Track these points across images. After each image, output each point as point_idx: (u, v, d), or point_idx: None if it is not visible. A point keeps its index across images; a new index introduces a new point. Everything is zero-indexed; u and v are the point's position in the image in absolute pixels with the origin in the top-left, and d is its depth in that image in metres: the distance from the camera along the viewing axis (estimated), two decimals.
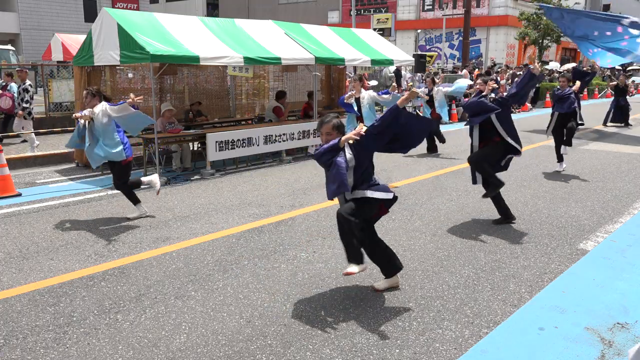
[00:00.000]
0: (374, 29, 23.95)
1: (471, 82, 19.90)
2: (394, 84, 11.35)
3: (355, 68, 14.29)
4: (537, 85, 23.39)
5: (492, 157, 6.38)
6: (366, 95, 8.64)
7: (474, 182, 6.52)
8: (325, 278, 4.77)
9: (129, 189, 6.66)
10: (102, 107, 6.39)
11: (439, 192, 7.96)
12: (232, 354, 3.56)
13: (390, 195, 4.27)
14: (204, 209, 7.09)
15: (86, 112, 6.46)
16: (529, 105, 21.64)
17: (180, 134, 9.37)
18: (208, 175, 9.17)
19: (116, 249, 5.54)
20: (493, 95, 6.31)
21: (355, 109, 8.60)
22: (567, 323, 3.99)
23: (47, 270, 4.97)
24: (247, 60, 9.34)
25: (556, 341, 3.74)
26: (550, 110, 9.66)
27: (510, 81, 23.72)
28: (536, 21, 28.87)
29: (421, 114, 11.92)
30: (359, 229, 4.16)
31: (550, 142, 10.01)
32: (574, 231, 6.12)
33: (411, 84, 20.61)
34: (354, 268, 4.04)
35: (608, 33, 13.51)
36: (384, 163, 10.32)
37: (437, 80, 17.46)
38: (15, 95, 11.65)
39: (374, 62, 12.21)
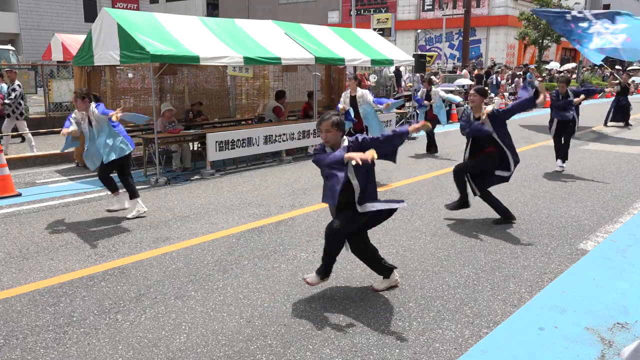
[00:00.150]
0: (374, 29, 23.96)
1: (471, 82, 19.94)
2: (395, 89, 11.36)
3: (355, 68, 14.30)
4: (537, 86, 23.41)
5: (476, 168, 6.41)
6: (362, 94, 8.62)
7: (474, 194, 6.53)
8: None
9: (132, 180, 6.69)
10: (92, 109, 6.38)
11: (439, 192, 7.96)
12: (232, 354, 3.56)
13: (393, 206, 4.35)
14: (204, 209, 7.09)
15: (72, 127, 6.46)
16: None
17: (180, 134, 9.38)
18: (208, 175, 9.17)
19: (116, 249, 5.54)
20: (490, 107, 6.27)
21: (352, 114, 8.56)
22: (567, 323, 3.99)
23: (47, 270, 4.97)
24: (247, 60, 9.34)
25: (556, 341, 3.74)
26: (549, 110, 9.60)
27: (510, 81, 23.76)
28: (536, 21, 28.86)
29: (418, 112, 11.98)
30: (340, 249, 4.33)
31: (550, 142, 10.01)
32: (574, 231, 6.12)
33: (410, 84, 20.62)
34: (313, 279, 4.31)
35: (578, 30, 13.96)
36: (384, 163, 10.31)
37: (436, 80, 17.45)
38: (5, 95, 11.60)
39: (374, 62, 12.21)
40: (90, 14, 33.41)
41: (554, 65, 30.24)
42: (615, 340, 3.76)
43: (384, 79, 19.90)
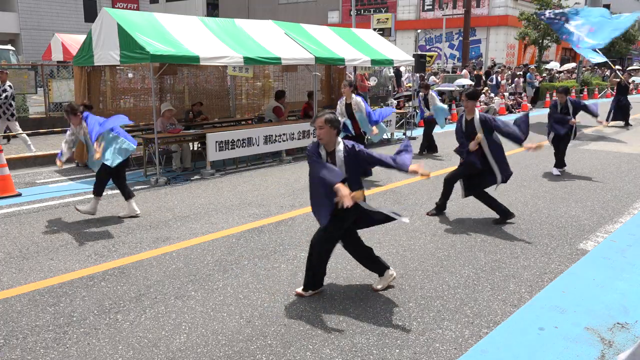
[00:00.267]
0: (374, 29, 23.96)
1: (471, 82, 19.93)
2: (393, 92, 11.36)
3: (355, 68, 14.30)
4: (537, 86, 23.42)
5: (465, 174, 6.52)
6: (357, 102, 8.57)
7: (463, 195, 6.66)
8: (325, 278, 4.76)
9: (106, 180, 6.66)
10: (83, 125, 6.36)
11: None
12: (232, 354, 3.56)
13: (390, 214, 4.34)
14: (204, 209, 7.09)
15: (66, 155, 6.48)
16: (528, 105, 21.64)
17: (180, 134, 9.38)
18: (208, 175, 9.17)
19: (116, 249, 5.54)
20: (477, 113, 6.35)
21: (350, 125, 8.53)
22: (567, 323, 3.99)
23: (47, 270, 4.97)
24: (247, 60, 9.34)
25: (556, 341, 3.74)
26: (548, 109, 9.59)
27: (510, 81, 23.75)
28: (536, 21, 28.84)
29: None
30: (326, 261, 4.38)
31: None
32: (574, 231, 6.12)
33: (409, 84, 20.62)
34: (306, 293, 4.38)
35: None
36: None
37: (436, 80, 17.47)
38: None
39: (374, 62, 12.21)
40: (90, 14, 33.41)
41: (554, 65, 30.23)
42: (615, 340, 3.76)
43: (384, 79, 19.89)
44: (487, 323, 3.98)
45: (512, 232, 6.08)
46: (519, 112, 20.82)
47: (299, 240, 5.80)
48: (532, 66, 27.29)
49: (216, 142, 9.21)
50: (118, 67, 10.43)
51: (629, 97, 16.45)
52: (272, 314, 4.10)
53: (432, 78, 21.57)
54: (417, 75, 18.45)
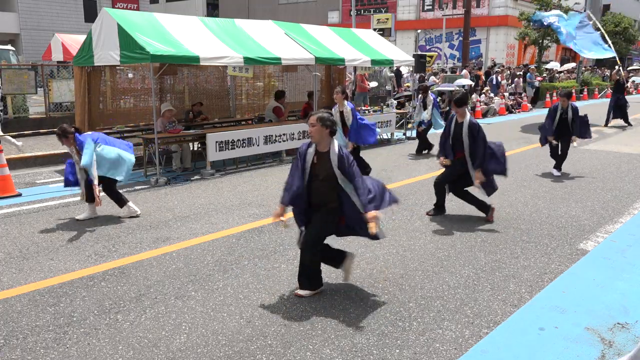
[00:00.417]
0: (374, 29, 23.96)
1: (471, 82, 19.92)
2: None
3: (355, 68, 14.30)
4: (537, 86, 23.42)
5: (453, 176, 6.63)
6: (348, 112, 8.44)
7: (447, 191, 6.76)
8: (325, 279, 4.76)
9: (116, 189, 6.70)
10: (76, 148, 6.35)
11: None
12: (232, 354, 3.56)
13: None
14: (204, 209, 7.09)
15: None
16: (528, 105, 21.65)
17: (180, 134, 9.38)
18: (208, 176, 9.17)
19: (116, 249, 5.54)
20: (467, 117, 6.44)
21: (340, 130, 8.48)
22: (567, 323, 3.99)
23: (47, 271, 4.97)
24: (247, 60, 9.34)
25: (556, 341, 3.74)
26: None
27: (510, 81, 23.74)
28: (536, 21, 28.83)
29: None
30: (319, 262, 4.42)
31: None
32: (574, 231, 6.12)
33: (408, 84, 20.61)
34: (306, 293, 4.40)
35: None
36: (384, 163, 10.33)
37: (436, 80, 17.49)
38: None
39: (374, 62, 12.21)
40: (90, 14, 33.39)
41: (554, 65, 30.21)
42: (615, 340, 3.76)
43: (384, 79, 19.89)
44: (488, 323, 3.98)
45: (513, 232, 6.08)
46: (519, 112, 20.83)
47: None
48: (532, 66, 27.28)
49: (216, 142, 9.21)
50: (118, 67, 10.42)
51: (629, 98, 16.48)
52: (272, 314, 4.10)
53: (432, 78, 21.56)
54: (417, 75, 18.45)
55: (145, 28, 8.69)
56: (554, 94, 21.96)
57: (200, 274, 4.89)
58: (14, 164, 9.40)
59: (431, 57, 26.64)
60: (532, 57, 36.02)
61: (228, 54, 9.14)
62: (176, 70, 10.91)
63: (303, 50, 10.70)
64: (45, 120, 13.48)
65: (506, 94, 21.68)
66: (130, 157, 6.63)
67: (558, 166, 9.21)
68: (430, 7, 38.04)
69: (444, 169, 6.73)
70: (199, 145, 10.34)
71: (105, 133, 7.25)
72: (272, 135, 10.16)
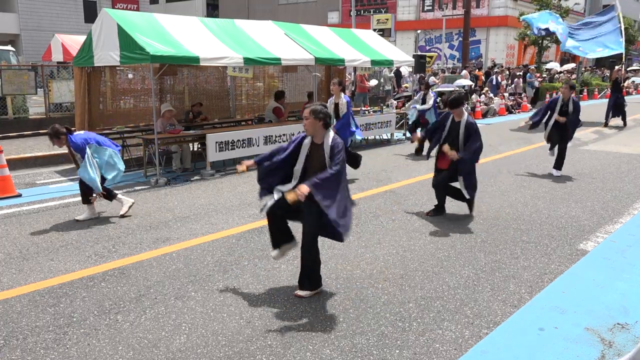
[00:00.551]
0: (374, 30, 23.97)
1: (471, 83, 19.92)
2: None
3: (355, 68, 14.30)
4: (537, 86, 23.42)
5: (451, 179, 6.69)
6: (343, 104, 8.58)
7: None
8: (325, 279, 4.76)
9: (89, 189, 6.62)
10: (69, 149, 6.38)
11: None
12: (232, 355, 3.56)
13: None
14: (204, 209, 7.09)
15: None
16: (528, 105, 21.65)
17: (180, 135, 9.38)
18: (208, 176, 9.17)
19: (116, 250, 5.54)
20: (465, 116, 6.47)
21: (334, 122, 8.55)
22: (567, 323, 3.99)
23: (47, 271, 4.97)
24: (247, 60, 9.34)
25: (556, 342, 3.74)
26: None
27: (510, 81, 23.75)
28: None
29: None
30: (319, 261, 4.47)
31: None
32: (574, 232, 6.12)
33: (406, 84, 20.61)
34: (307, 293, 4.41)
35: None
36: (384, 164, 10.33)
37: (436, 80, 17.49)
38: None
39: (373, 62, 12.21)
40: (90, 15, 33.38)
41: (554, 65, 30.23)
42: (615, 340, 3.76)
43: (384, 79, 19.91)
44: (487, 323, 3.99)
45: (512, 233, 6.08)
46: (518, 112, 20.83)
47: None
48: (532, 67, 27.30)
49: (216, 142, 9.21)
50: (118, 68, 10.42)
51: (628, 98, 16.50)
52: (272, 315, 4.10)
53: (432, 78, 21.57)
54: (417, 75, 18.45)
55: (145, 28, 8.69)
56: (554, 94, 21.97)
57: (200, 274, 4.89)
58: (14, 164, 9.39)
59: (431, 57, 26.63)
60: (531, 57, 36.04)
61: (228, 54, 9.15)
62: (176, 71, 10.92)
63: (303, 51, 10.70)
64: (45, 121, 13.45)
65: (506, 95, 21.68)
66: (121, 164, 6.66)
67: (558, 165, 9.15)
68: (430, 8, 38.05)
69: (443, 171, 6.72)
70: (199, 146, 10.34)
71: (105, 134, 7.27)
72: (272, 136, 10.16)
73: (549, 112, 9.06)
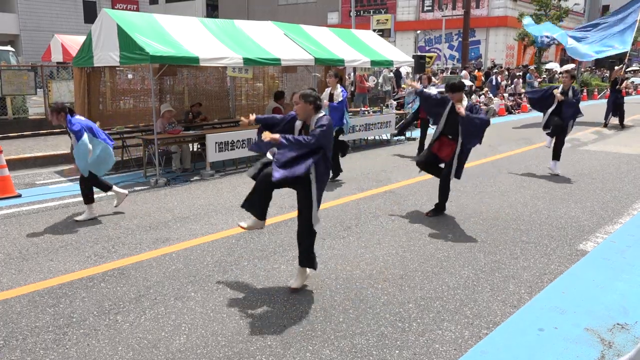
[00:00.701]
0: (374, 30, 23.95)
1: (471, 83, 19.92)
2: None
3: (354, 69, 14.30)
4: (537, 87, 23.44)
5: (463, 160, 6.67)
6: (338, 93, 8.68)
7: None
8: (324, 279, 4.77)
9: (91, 185, 6.66)
10: (69, 127, 6.36)
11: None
12: (231, 355, 3.55)
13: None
14: (204, 209, 7.09)
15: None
16: (528, 106, 21.64)
17: (180, 135, 9.37)
18: (208, 176, 9.17)
19: (116, 250, 5.53)
20: (465, 103, 6.36)
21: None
22: (567, 324, 3.99)
23: (46, 271, 4.97)
24: (247, 61, 9.34)
25: (556, 342, 3.74)
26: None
27: (510, 82, 23.76)
28: (535, 22, 28.87)
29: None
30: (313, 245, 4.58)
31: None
32: (574, 232, 6.12)
33: (404, 85, 20.61)
34: (299, 282, 4.54)
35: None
36: (383, 164, 10.33)
37: (436, 81, 17.48)
38: None
39: (373, 63, 12.21)
40: (90, 15, 33.39)
41: (554, 65, 30.25)
42: (615, 341, 3.76)
43: (383, 79, 19.90)
44: (487, 324, 3.99)
45: (512, 233, 6.08)
46: (518, 112, 20.84)
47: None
48: (532, 67, 27.31)
49: (216, 142, 9.21)
50: (118, 68, 10.42)
51: (628, 99, 16.51)
52: (271, 315, 4.10)
53: (432, 79, 21.57)
54: (417, 76, 18.44)
55: (145, 29, 8.69)
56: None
57: (200, 274, 4.89)
58: (13, 164, 9.39)
59: (431, 57, 26.66)
60: (531, 57, 36.07)
61: (227, 54, 9.15)
62: (176, 71, 10.91)
63: (302, 51, 10.70)
64: (45, 121, 13.46)
65: (505, 95, 21.69)
66: (112, 160, 6.69)
67: (556, 155, 9.07)
68: (430, 8, 38.07)
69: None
70: (199, 146, 10.34)
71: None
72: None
73: (547, 94, 9.15)
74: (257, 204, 4.43)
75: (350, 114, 13.33)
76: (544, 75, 26.64)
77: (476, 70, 24.14)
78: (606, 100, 17.29)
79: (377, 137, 13.38)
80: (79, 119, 6.48)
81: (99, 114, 10.10)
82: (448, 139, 6.48)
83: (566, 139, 9.35)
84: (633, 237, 5.95)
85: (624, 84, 16.13)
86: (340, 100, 8.67)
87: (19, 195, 7.78)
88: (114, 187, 6.89)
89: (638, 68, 35.34)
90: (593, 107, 20.90)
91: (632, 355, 2.49)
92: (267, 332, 3.85)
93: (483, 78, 23.62)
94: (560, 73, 29.19)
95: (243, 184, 8.61)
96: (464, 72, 22.91)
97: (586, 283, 4.73)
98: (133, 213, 6.89)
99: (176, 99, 11.40)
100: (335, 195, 7.80)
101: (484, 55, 36.37)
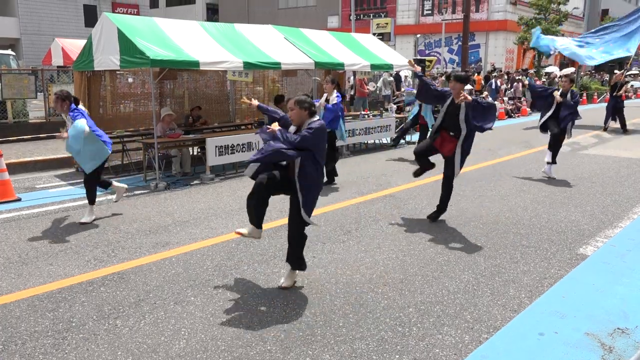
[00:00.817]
0: (374, 34, 24.01)
1: (471, 87, 19.92)
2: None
3: (354, 72, 14.32)
4: None
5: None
6: (333, 98, 8.69)
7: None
8: (324, 283, 4.76)
9: (95, 186, 6.71)
10: (69, 115, 6.39)
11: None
12: None
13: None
14: (204, 213, 7.08)
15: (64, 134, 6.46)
16: (528, 109, 21.67)
17: (180, 139, 9.38)
18: (208, 180, 9.17)
19: (115, 254, 5.53)
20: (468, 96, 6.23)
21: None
22: (567, 328, 3.98)
23: (46, 276, 4.96)
24: (247, 65, 9.35)
25: (556, 346, 3.73)
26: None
27: (509, 85, 23.78)
28: (535, 26, 28.93)
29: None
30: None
31: None
32: (574, 236, 6.12)
33: (403, 89, 20.63)
34: (289, 281, 4.64)
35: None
36: (383, 168, 10.33)
37: (435, 84, 17.44)
38: None
39: (373, 66, 12.24)
40: (91, 19, 33.46)
41: (553, 69, 30.29)
42: (615, 345, 3.75)
43: (383, 83, 19.92)
44: (487, 328, 3.98)
45: (512, 237, 6.07)
46: (518, 116, 20.86)
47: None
48: (532, 71, 27.34)
49: (216, 146, 9.21)
50: (118, 72, 10.44)
51: (628, 102, 16.52)
52: (271, 320, 4.10)
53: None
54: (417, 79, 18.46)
55: (146, 33, 8.70)
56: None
57: (200, 279, 4.88)
58: (13, 168, 9.39)
59: (430, 61, 26.71)
60: (530, 61, 36.11)
61: (228, 58, 9.16)
62: (176, 75, 10.93)
63: (303, 55, 10.72)
64: (45, 125, 13.49)
65: (505, 99, 21.71)
66: (100, 160, 6.64)
67: (552, 157, 9.07)
68: (430, 12, 38.16)
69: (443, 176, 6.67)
70: (199, 150, 10.34)
71: None
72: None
73: (547, 93, 9.13)
74: (252, 212, 4.52)
75: (350, 117, 13.39)
76: (544, 79, 26.65)
77: (476, 74, 24.17)
78: (606, 104, 17.30)
79: (377, 141, 13.39)
80: (83, 109, 6.52)
81: (99, 118, 10.10)
82: (449, 135, 6.37)
83: (566, 142, 9.34)
84: (633, 241, 5.95)
85: (623, 89, 16.10)
86: (334, 102, 8.65)
87: (19, 199, 7.78)
88: (114, 183, 7.00)
89: (638, 72, 35.37)
90: (592, 111, 20.92)
91: (635, 359, 2.48)
92: (266, 336, 3.84)
93: (483, 82, 23.64)
94: (560, 77, 29.26)
95: (243, 188, 8.61)
96: None
97: (586, 287, 4.72)
98: (133, 217, 6.89)
99: (176, 103, 11.41)
100: (335, 199, 7.79)
101: (484, 59, 36.42)
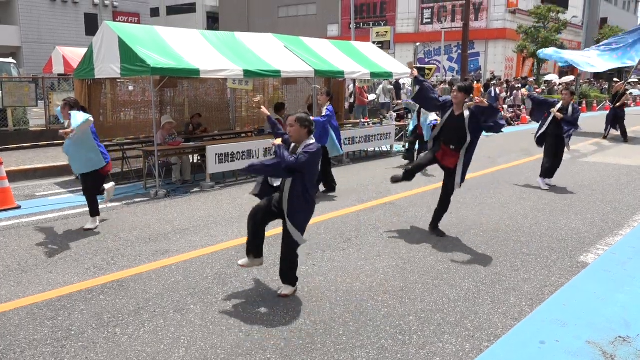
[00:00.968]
0: (373, 42, 24.11)
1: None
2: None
3: (354, 81, 14.36)
4: None
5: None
6: (325, 109, 8.66)
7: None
8: (324, 291, 4.75)
9: (95, 197, 6.75)
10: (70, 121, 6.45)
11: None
12: None
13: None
14: (204, 221, 7.08)
15: (69, 129, 6.48)
16: (527, 117, 21.70)
17: (180, 147, 9.39)
18: (208, 188, 9.16)
19: (115, 262, 5.52)
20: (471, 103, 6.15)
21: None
22: (568, 336, 3.97)
23: (45, 284, 4.95)
24: (247, 73, 9.38)
25: (557, 355, 3.72)
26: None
27: (509, 93, 23.85)
28: (534, 34, 29.09)
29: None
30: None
31: None
32: (575, 244, 6.11)
33: (400, 102, 20.68)
34: (289, 290, 4.65)
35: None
36: (383, 176, 10.33)
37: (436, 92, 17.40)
38: None
39: (373, 74, 12.27)
40: (91, 27, 33.61)
41: (553, 77, 30.40)
42: (617, 354, 3.73)
43: (382, 91, 19.96)
44: (488, 336, 3.96)
45: (513, 245, 6.07)
46: (517, 124, 20.89)
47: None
48: (531, 79, 27.44)
49: (216, 154, 9.22)
50: (119, 80, 10.47)
51: (628, 110, 16.56)
52: (271, 328, 4.08)
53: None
54: (416, 87, 18.50)
55: (146, 41, 8.74)
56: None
57: (200, 287, 4.87)
58: (13, 176, 9.39)
59: (430, 70, 26.81)
60: (530, 69, 36.25)
61: (228, 66, 9.19)
62: (176, 83, 10.96)
63: (303, 63, 10.76)
64: (46, 133, 13.50)
65: (505, 107, 21.76)
66: (99, 163, 6.66)
67: (550, 173, 9.05)
68: (429, 21, 38.36)
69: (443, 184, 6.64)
70: (199, 158, 10.35)
71: (105, 146, 7.27)
72: (272, 148, 10.15)
73: (550, 104, 9.08)
74: (251, 244, 4.63)
75: (350, 125, 13.40)
76: (543, 87, 26.75)
77: (475, 82, 24.24)
78: (606, 112, 17.34)
79: (377, 149, 13.40)
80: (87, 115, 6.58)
81: (100, 126, 10.11)
82: (450, 149, 6.23)
83: (566, 151, 9.31)
84: (634, 248, 5.94)
85: (622, 99, 16.14)
86: (323, 114, 8.52)
87: (19, 207, 7.77)
88: (104, 186, 7.02)
89: (637, 80, 35.49)
90: (592, 119, 20.97)
91: None
92: (266, 345, 3.83)
93: (482, 90, 23.70)
94: (560, 85, 29.35)
95: (243, 196, 8.61)
96: None
97: (587, 295, 4.71)
98: (133, 225, 6.88)
99: (176, 111, 11.43)
100: (335, 206, 7.79)
101: (483, 67, 36.56)
